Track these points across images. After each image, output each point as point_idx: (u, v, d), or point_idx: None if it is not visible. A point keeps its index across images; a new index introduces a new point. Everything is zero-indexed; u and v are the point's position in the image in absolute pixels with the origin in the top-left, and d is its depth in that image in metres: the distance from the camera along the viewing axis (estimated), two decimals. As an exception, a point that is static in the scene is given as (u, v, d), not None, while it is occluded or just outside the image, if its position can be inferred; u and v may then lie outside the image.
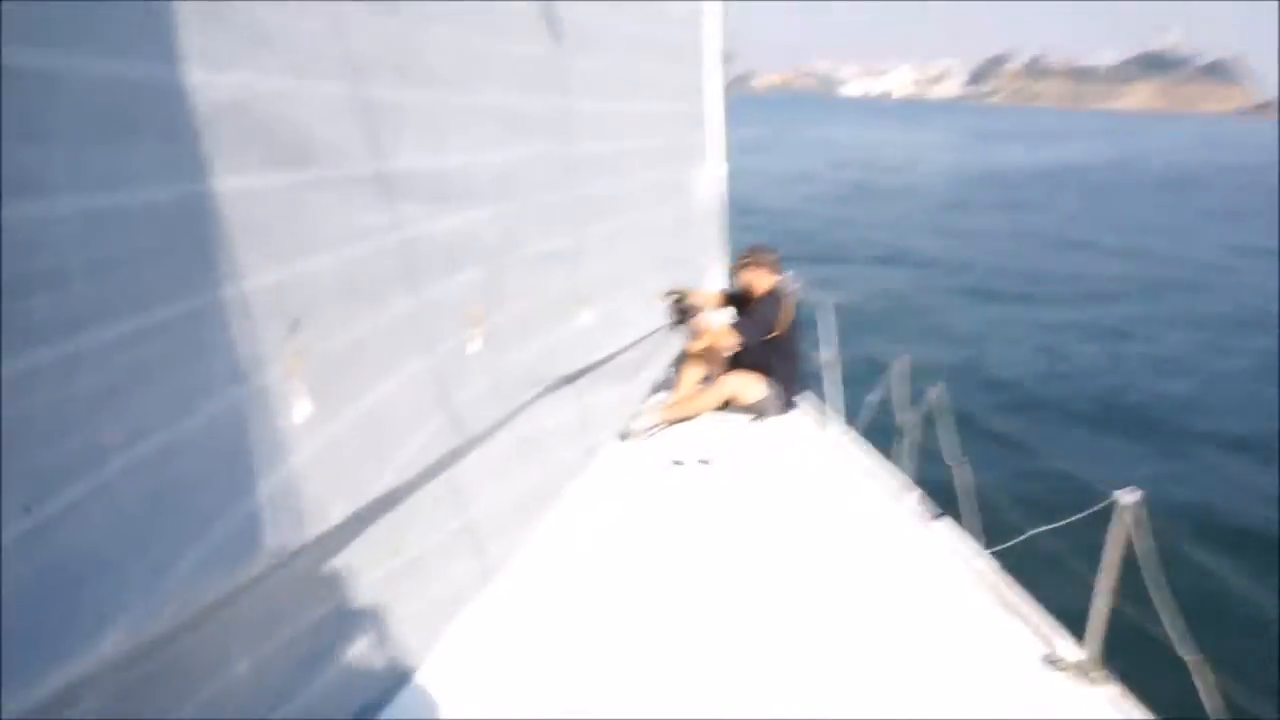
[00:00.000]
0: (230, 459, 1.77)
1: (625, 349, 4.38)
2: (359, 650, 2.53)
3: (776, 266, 4.99)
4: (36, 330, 1.33)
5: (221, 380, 1.74)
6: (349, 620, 2.52)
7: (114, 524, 1.46)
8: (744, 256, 5.01)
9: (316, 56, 2.04)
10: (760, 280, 4.95)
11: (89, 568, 1.41)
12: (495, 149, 3.10)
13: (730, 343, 4.88)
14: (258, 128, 1.84)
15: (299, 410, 1.98)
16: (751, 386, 4.88)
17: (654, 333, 4.83)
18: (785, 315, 4.81)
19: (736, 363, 5.02)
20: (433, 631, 2.86)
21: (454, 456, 2.82)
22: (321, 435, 2.09)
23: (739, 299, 5.07)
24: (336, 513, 2.11)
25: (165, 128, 1.58)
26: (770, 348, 4.88)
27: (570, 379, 3.90)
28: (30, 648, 1.30)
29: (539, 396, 3.67)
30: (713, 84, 5.18)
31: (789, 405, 4.93)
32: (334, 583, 2.49)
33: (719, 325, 4.95)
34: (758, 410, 4.88)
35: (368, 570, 2.61)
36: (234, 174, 1.76)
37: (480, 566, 3.19)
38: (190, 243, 1.67)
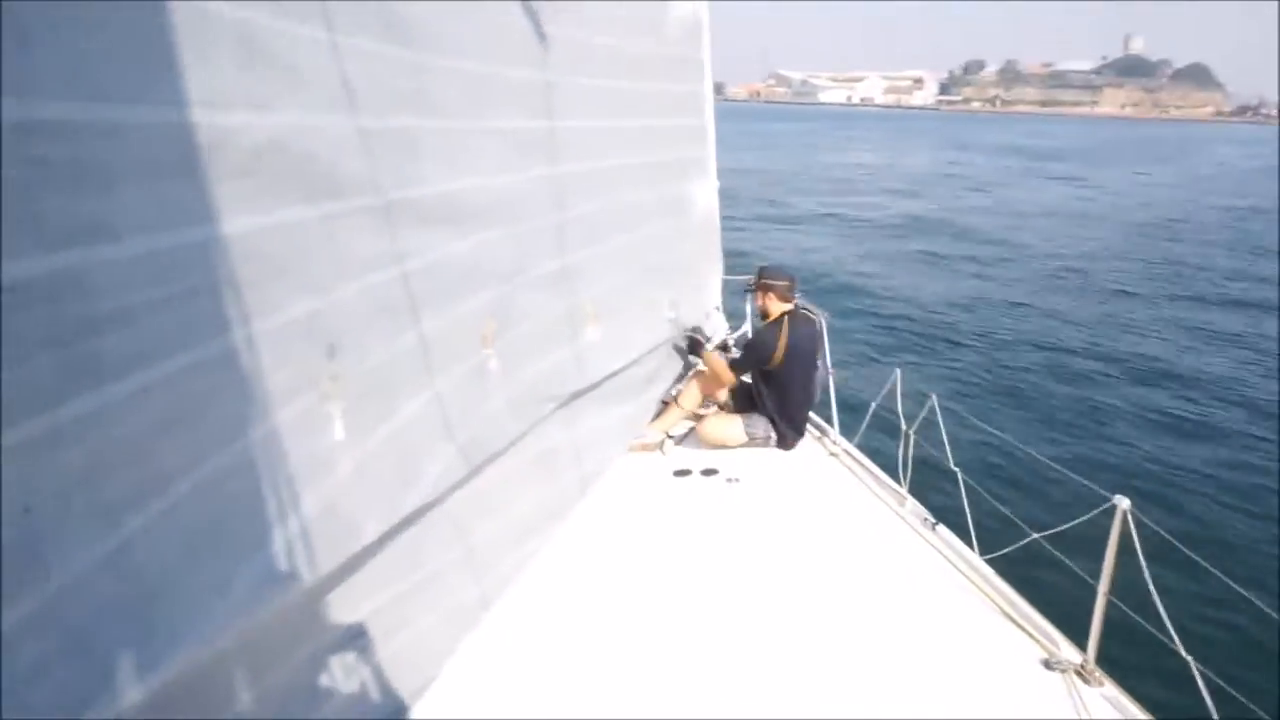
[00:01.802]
0: (277, 480, 1.87)
1: (630, 364, 4.45)
2: (374, 665, 2.60)
3: (787, 293, 4.97)
4: (108, 367, 1.44)
5: (267, 406, 1.85)
6: (362, 639, 2.60)
7: (182, 544, 1.56)
8: (757, 279, 5.03)
9: (340, 91, 2.14)
10: (772, 306, 4.96)
11: (162, 586, 1.50)
12: (501, 172, 3.19)
13: (727, 378, 4.95)
14: (292, 164, 1.95)
15: (336, 431, 2.09)
16: (728, 431, 4.91)
17: (658, 347, 4.90)
18: (782, 346, 4.77)
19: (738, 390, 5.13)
20: (446, 645, 2.93)
21: (470, 475, 2.90)
22: (356, 455, 2.19)
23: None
24: (370, 531, 2.20)
25: (210, 169, 1.68)
26: (764, 379, 4.89)
27: (579, 394, 3.97)
28: (111, 663, 1.39)
29: (550, 414, 3.75)
30: (709, 98, 5.27)
31: (784, 438, 4.91)
32: (347, 605, 2.58)
33: (717, 358, 5.03)
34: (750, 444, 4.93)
35: (383, 589, 2.70)
36: (272, 210, 1.88)
37: (492, 581, 3.27)
38: (235, 278, 1.77)
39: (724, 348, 5.74)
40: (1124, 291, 17.58)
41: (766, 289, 4.96)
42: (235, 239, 1.77)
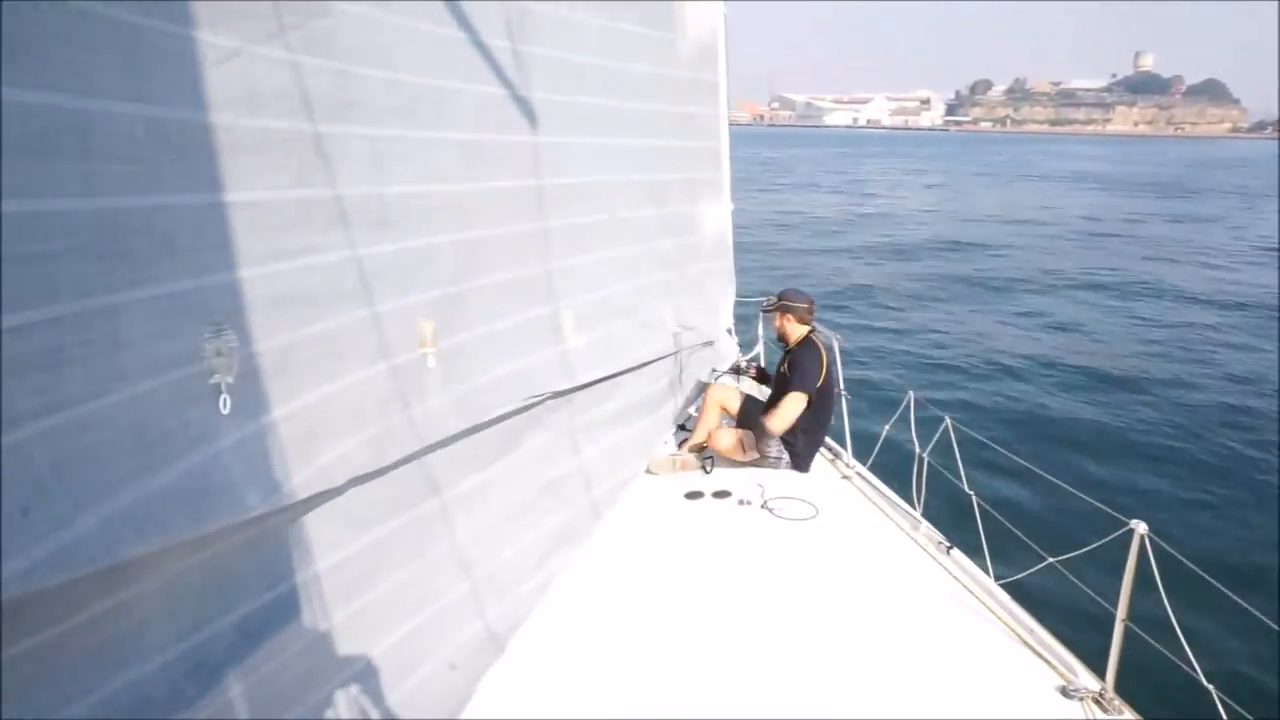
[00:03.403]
0: (141, 440, 2.03)
1: (622, 373, 4.51)
2: (389, 707, 2.70)
3: (808, 316, 5.04)
4: None
5: (137, 370, 2.03)
6: (375, 680, 2.69)
7: (20, 477, 1.75)
8: (777, 302, 5.07)
9: (241, 93, 2.33)
10: (791, 329, 5.02)
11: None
12: (454, 181, 3.32)
13: (799, 408, 4.88)
14: (178, 155, 2.16)
15: (221, 405, 2.24)
16: (740, 443, 4.99)
17: (661, 365, 4.94)
18: (825, 369, 4.87)
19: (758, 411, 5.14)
20: (463, 686, 3.01)
21: (379, 471, 2.97)
22: (245, 429, 2.33)
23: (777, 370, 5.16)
24: (253, 501, 2.32)
25: (86, 149, 1.92)
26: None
27: (562, 394, 4.05)
28: None
29: (530, 411, 3.84)
30: (724, 122, 5.34)
31: (800, 459, 4.96)
32: (358, 645, 2.65)
33: (790, 397, 4.90)
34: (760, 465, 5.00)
35: (394, 628, 2.79)
36: (152, 193, 2.08)
37: (506, 611, 3.33)
38: (109, 247, 1.97)
39: (737, 370, 5.79)
40: None
41: (786, 311, 5.02)
42: (105, 215, 1.96)
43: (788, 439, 4.93)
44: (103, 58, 1.95)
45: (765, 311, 5.17)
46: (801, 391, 4.84)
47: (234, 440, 2.28)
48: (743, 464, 4.97)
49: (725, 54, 5.16)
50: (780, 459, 4.94)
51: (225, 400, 2.24)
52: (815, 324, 5.12)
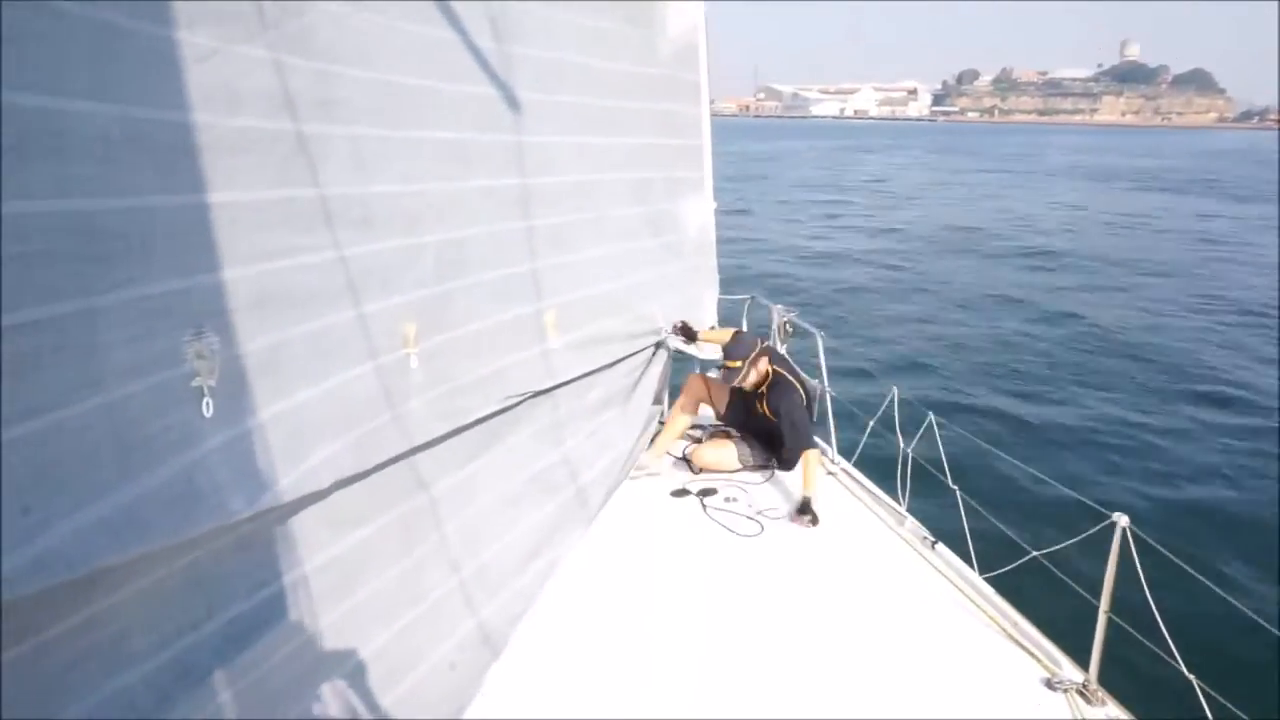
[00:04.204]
0: (122, 444, 2.02)
1: (602, 368, 4.55)
2: (385, 708, 2.71)
3: (766, 352, 4.93)
4: None
5: (116, 373, 2.02)
6: (367, 679, 2.72)
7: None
8: (741, 362, 4.78)
9: (221, 92, 2.33)
10: (764, 367, 4.87)
11: None
12: (437, 181, 3.33)
13: (820, 468, 4.81)
14: (156, 156, 2.14)
15: (204, 407, 2.24)
16: (724, 456, 4.99)
17: (639, 353, 4.98)
18: (804, 398, 4.83)
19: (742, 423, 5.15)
20: (462, 685, 3.04)
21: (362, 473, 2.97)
22: (230, 432, 2.32)
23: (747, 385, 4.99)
24: (238, 505, 2.31)
25: (61, 151, 1.90)
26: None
27: (544, 392, 4.08)
28: None
29: (513, 411, 3.87)
30: (706, 120, 5.36)
31: (786, 462, 4.96)
32: (351, 643, 2.68)
33: (813, 453, 4.67)
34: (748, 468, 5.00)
35: (386, 625, 2.83)
36: (129, 195, 2.06)
37: (502, 604, 3.39)
38: (83, 250, 1.95)
39: (689, 335, 5.81)
40: None
41: (755, 361, 4.82)
42: (81, 217, 1.95)
43: (777, 450, 4.97)
44: (77, 58, 1.94)
45: (733, 371, 4.79)
46: (814, 448, 4.70)
47: (218, 443, 2.28)
48: (731, 473, 4.99)
49: (706, 52, 5.18)
50: (769, 461, 5.01)
51: (208, 403, 2.25)
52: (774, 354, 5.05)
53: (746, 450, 5.02)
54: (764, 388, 4.91)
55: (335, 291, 2.79)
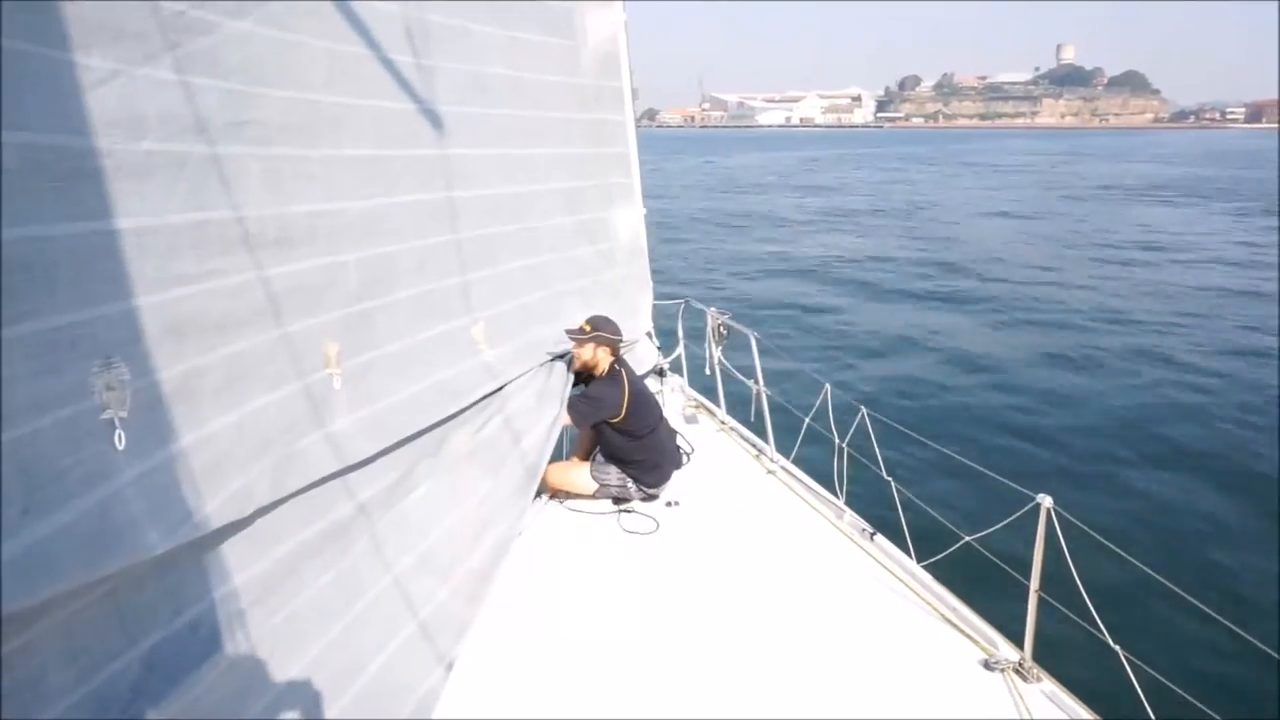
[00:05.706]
0: (31, 482, 1.97)
1: (523, 374, 4.49)
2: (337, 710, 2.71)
3: (617, 348, 4.84)
4: None
5: (20, 410, 1.96)
6: (312, 686, 2.72)
7: None
8: (585, 331, 4.72)
9: (124, 116, 2.31)
10: (602, 359, 4.79)
11: None
12: (358, 198, 3.34)
13: (569, 422, 4.73)
14: (56, 182, 2.11)
15: (117, 440, 2.19)
16: (572, 477, 4.79)
17: (560, 358, 4.90)
18: (628, 398, 4.68)
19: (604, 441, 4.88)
20: (419, 675, 3.06)
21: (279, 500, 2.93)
22: (144, 465, 2.28)
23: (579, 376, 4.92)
24: (155, 539, 2.26)
25: None
26: (617, 431, 4.72)
27: (476, 403, 4.06)
28: None
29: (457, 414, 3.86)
30: (630, 127, 5.44)
31: (643, 484, 4.76)
32: (289, 654, 2.67)
33: (562, 418, 4.68)
34: (604, 496, 4.78)
35: (321, 632, 2.82)
36: (30, 224, 2.02)
37: (455, 589, 3.42)
38: None
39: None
40: None
41: (601, 342, 4.75)
42: None
43: (630, 470, 4.75)
44: None
45: (576, 340, 4.75)
46: (577, 416, 4.68)
47: (132, 476, 2.24)
48: (588, 498, 4.80)
49: (628, 59, 5.27)
50: (624, 486, 4.75)
51: (120, 435, 2.20)
52: (620, 358, 4.94)
53: (602, 473, 4.77)
54: (588, 379, 4.84)
55: (253, 314, 2.77)
